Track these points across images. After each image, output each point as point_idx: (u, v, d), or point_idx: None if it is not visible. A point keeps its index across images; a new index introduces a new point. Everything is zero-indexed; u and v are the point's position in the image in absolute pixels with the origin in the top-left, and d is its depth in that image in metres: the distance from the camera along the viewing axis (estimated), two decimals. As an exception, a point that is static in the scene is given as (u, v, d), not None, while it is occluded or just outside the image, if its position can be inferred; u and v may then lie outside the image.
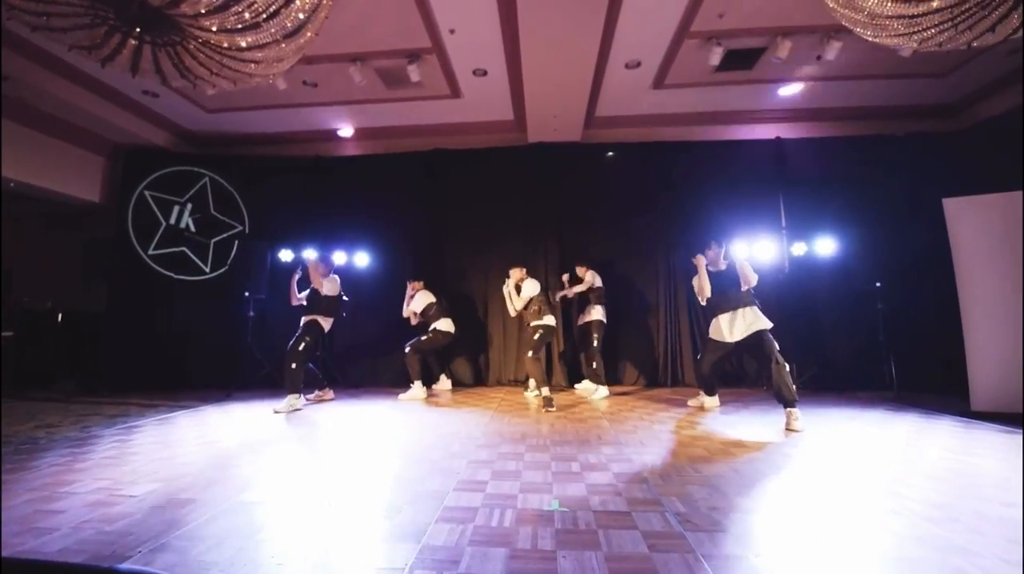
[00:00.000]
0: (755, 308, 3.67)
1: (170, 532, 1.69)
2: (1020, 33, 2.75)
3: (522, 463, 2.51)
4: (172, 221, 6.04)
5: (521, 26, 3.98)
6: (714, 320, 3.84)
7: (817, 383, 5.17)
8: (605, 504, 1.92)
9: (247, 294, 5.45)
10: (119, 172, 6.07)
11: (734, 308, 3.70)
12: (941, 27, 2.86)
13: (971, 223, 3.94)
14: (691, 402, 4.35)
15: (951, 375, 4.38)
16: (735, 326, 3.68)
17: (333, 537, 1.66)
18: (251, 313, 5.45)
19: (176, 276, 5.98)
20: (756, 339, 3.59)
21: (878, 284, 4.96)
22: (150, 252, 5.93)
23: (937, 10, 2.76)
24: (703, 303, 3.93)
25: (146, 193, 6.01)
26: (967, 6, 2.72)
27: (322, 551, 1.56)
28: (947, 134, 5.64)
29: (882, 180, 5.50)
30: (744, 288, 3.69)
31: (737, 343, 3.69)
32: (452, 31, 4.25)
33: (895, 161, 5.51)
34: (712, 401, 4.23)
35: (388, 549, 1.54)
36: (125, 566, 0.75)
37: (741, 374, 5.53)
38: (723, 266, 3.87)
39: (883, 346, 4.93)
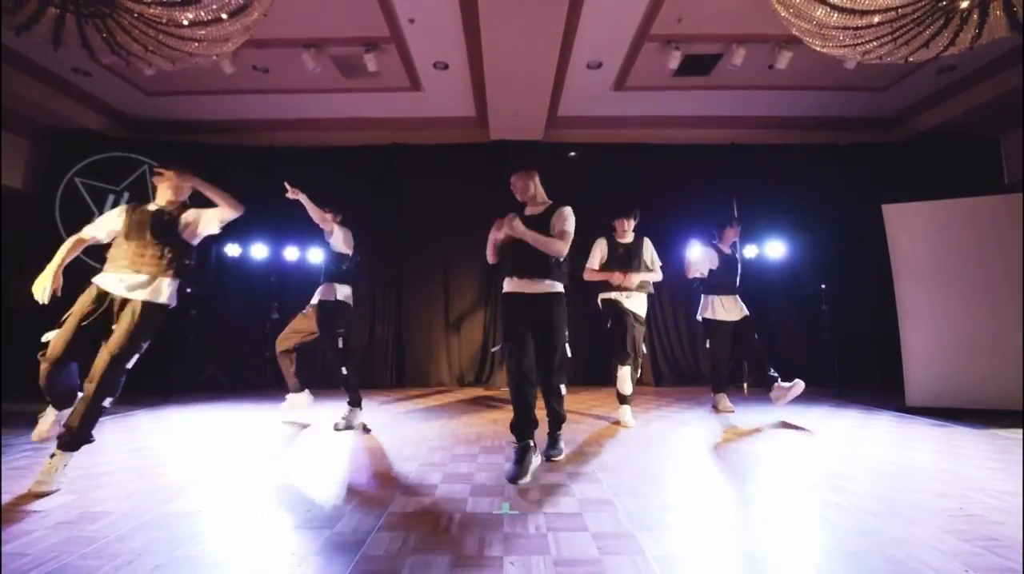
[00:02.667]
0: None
1: (75, 550, 1.51)
2: (950, 51, 2.94)
3: (475, 465, 2.43)
4: (106, 211, 5.60)
5: (482, 20, 3.91)
6: (711, 299, 4.00)
7: (765, 381, 5.33)
8: (557, 506, 1.87)
9: (189, 290, 5.11)
10: (46, 157, 5.57)
11: (732, 293, 4.01)
12: (882, 40, 3.00)
13: (907, 228, 4.16)
14: (718, 406, 3.99)
15: (889, 373, 4.63)
16: (733, 309, 3.97)
17: (263, 550, 1.53)
18: (193, 311, 5.12)
19: (110, 271, 5.54)
20: (745, 324, 3.94)
21: (823, 286, 5.19)
22: (80, 244, 5.47)
23: (878, 24, 2.90)
24: (692, 276, 4.04)
25: (77, 180, 5.56)
26: (904, 22, 2.86)
27: (250, 566, 1.42)
28: (886, 144, 5.98)
29: (828, 186, 5.77)
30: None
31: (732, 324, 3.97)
32: (411, 21, 4.13)
33: (839, 169, 5.80)
34: (726, 401, 3.99)
35: (322, 562, 1.43)
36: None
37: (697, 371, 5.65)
38: (729, 250, 4.09)
39: (828, 346, 5.15)
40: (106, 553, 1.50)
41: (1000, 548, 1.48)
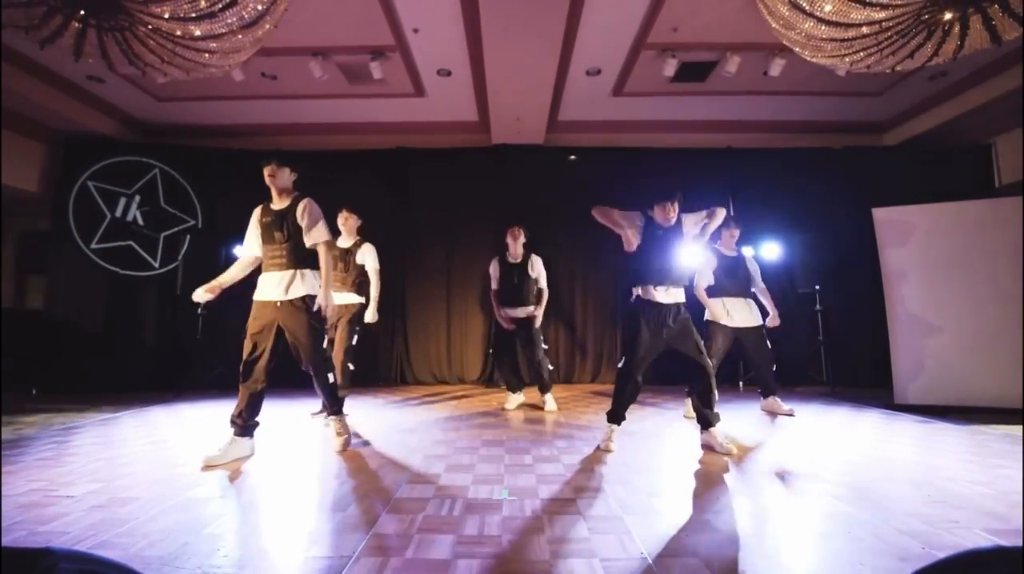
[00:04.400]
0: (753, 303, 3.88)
1: (110, 530, 1.65)
2: (935, 61, 3.06)
3: (476, 457, 2.57)
4: (118, 214, 5.76)
5: (484, 29, 4.05)
6: (717, 301, 3.78)
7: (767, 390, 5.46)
8: (553, 492, 2.00)
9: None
10: (59, 160, 5.73)
11: (740, 296, 3.82)
12: (868, 51, 3.13)
13: (896, 232, 4.28)
14: (687, 414, 3.69)
15: (879, 371, 4.75)
16: (740, 313, 3.77)
17: (282, 530, 1.67)
18: (203, 311, 5.27)
19: (122, 271, 5.70)
20: (755, 333, 3.78)
21: (817, 287, 5.31)
22: (93, 246, 5.63)
23: (865, 35, 3.03)
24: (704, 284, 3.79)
25: (89, 183, 5.70)
26: (889, 34, 2.99)
27: (270, 543, 1.57)
28: (880, 149, 6.10)
29: (822, 190, 5.88)
30: (755, 284, 3.91)
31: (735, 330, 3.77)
32: (416, 30, 4.27)
33: (833, 172, 5.91)
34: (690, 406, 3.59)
35: (336, 539, 1.57)
36: (60, 546, 0.75)
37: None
38: (735, 252, 3.96)
39: (821, 345, 5.27)
40: (139, 532, 1.64)
41: (957, 529, 1.61)
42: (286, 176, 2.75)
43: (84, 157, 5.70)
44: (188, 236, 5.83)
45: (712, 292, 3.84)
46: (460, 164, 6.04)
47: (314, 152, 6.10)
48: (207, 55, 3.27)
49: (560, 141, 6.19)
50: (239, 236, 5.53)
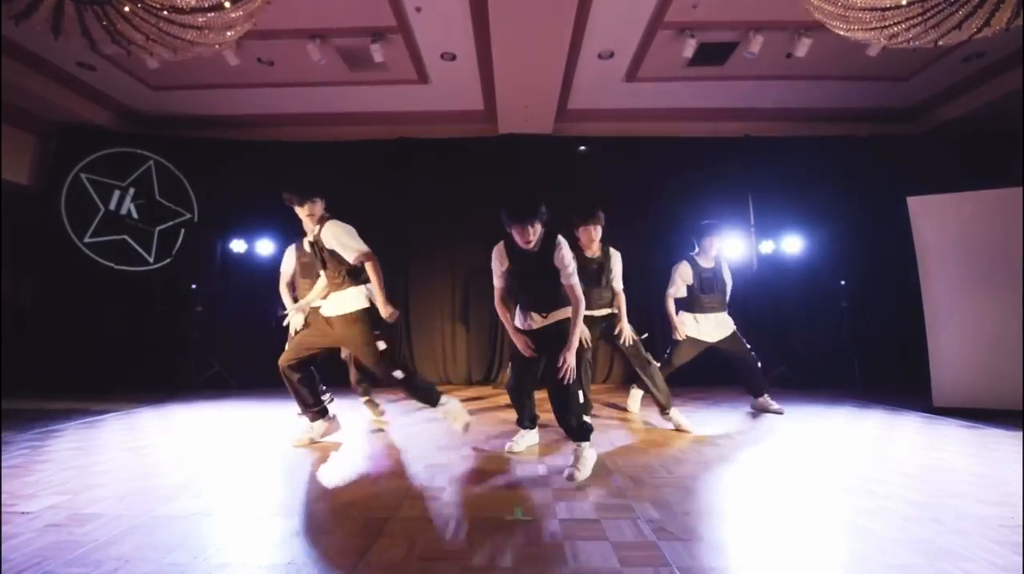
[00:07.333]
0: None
1: (61, 555, 1.42)
2: (984, 33, 2.77)
3: (484, 466, 2.32)
4: (112, 207, 5.57)
5: (491, 7, 3.79)
6: (684, 316, 3.68)
7: (784, 381, 5.18)
8: (572, 511, 1.75)
9: (194, 286, 5.06)
10: (51, 152, 5.54)
11: (714, 311, 3.64)
12: (911, 22, 2.85)
13: (934, 222, 3.99)
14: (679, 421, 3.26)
15: (913, 371, 4.45)
16: (712, 329, 3.64)
17: (258, 557, 1.43)
18: (199, 307, 5.06)
19: (116, 266, 5.51)
20: (733, 340, 3.68)
21: (843, 282, 5.02)
22: (86, 240, 5.44)
23: (908, 3, 2.75)
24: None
25: (82, 176, 5.51)
26: (935, 1, 2.71)
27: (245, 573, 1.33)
28: (909, 136, 5.78)
29: (846, 180, 5.58)
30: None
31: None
32: (418, 9, 4.02)
33: (859, 162, 5.61)
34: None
35: (322, 571, 1.33)
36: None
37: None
38: (710, 263, 3.64)
39: (848, 344, 4.98)
40: (91, 559, 1.41)
41: (1064, 563, 1.34)
42: None
43: (77, 148, 5.51)
44: (184, 230, 5.62)
45: (684, 305, 3.69)
46: (465, 155, 5.80)
47: (313, 143, 5.88)
48: (196, 32, 3.05)
49: (569, 131, 5.92)
50: (236, 230, 5.38)
